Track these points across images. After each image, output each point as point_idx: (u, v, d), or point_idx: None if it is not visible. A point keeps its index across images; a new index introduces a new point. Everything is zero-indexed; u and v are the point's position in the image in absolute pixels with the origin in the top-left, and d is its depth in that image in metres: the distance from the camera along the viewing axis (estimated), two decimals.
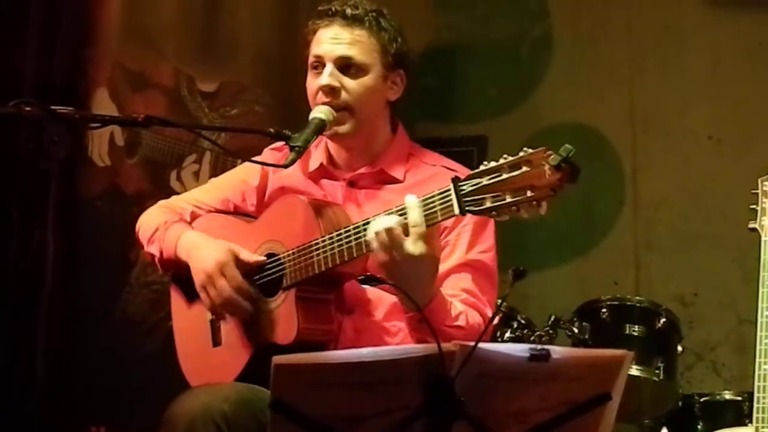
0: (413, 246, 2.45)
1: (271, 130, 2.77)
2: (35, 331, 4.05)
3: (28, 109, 2.39)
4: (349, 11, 2.82)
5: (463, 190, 2.35)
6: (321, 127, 2.76)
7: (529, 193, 2.24)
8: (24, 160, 3.84)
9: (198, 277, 2.78)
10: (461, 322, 2.62)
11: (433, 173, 2.81)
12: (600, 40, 5.20)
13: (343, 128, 2.80)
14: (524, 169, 2.25)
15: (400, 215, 2.49)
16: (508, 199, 2.27)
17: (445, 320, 2.58)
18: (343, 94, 2.80)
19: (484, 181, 2.31)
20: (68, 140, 2.47)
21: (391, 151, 2.89)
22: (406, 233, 2.46)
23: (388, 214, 2.51)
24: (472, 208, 2.34)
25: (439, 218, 2.44)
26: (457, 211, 2.38)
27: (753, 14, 4.93)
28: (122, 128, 4.29)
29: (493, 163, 2.32)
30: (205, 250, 2.80)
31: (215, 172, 4.12)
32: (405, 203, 2.49)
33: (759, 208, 3.24)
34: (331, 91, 2.79)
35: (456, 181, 2.38)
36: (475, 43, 5.41)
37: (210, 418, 2.49)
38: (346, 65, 2.81)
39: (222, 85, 4.56)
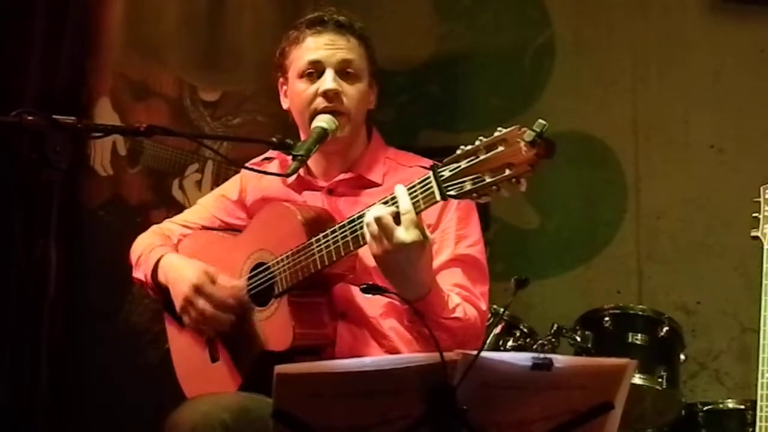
0: (405, 233, 2.43)
1: (274, 139, 2.76)
2: (39, 339, 4.05)
3: (30, 118, 2.39)
4: (343, 19, 2.83)
5: (443, 175, 2.35)
6: (323, 136, 2.75)
7: (507, 172, 2.23)
8: (27, 170, 3.84)
9: (178, 303, 2.80)
10: (459, 314, 2.61)
11: (411, 173, 2.76)
12: (602, 49, 5.19)
13: (342, 133, 2.80)
14: (500, 148, 2.25)
15: (390, 205, 2.46)
16: (488, 180, 2.26)
17: (443, 312, 2.57)
18: (345, 99, 2.79)
19: (463, 164, 2.31)
20: (71, 150, 2.47)
21: (368, 156, 2.89)
22: (397, 222, 2.44)
23: (378, 205, 2.49)
24: (453, 193, 2.33)
25: (422, 207, 2.42)
26: (438, 197, 2.37)
27: (754, 23, 4.93)
28: (124, 138, 4.30)
29: (469, 146, 2.31)
30: (180, 273, 2.81)
31: (217, 181, 4.12)
32: (394, 191, 2.47)
33: (761, 216, 3.25)
34: (336, 95, 2.78)
35: (435, 167, 2.38)
36: (478, 52, 5.40)
37: (210, 427, 2.48)
38: (344, 71, 2.81)
39: (224, 94, 4.57)
